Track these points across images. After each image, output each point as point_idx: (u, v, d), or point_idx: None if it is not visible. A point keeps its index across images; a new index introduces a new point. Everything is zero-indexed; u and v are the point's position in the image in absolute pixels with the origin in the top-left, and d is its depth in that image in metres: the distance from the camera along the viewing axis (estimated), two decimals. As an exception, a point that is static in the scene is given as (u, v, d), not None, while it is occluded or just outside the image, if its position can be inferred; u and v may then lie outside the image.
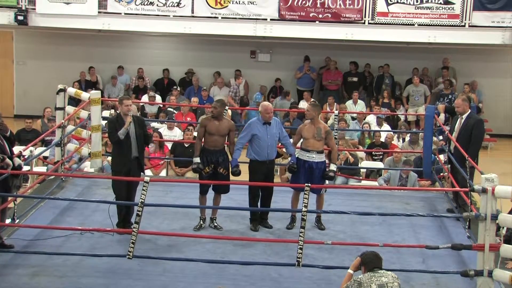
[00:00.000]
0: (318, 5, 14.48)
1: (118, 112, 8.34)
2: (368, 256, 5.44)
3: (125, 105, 7.93)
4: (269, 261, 7.23)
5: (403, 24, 14.45)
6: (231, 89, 15.58)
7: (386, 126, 13.54)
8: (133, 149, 7.89)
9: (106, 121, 9.19)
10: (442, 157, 10.12)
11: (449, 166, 9.04)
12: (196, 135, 8.67)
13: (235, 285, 6.78)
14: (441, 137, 9.90)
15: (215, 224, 8.15)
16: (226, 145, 8.28)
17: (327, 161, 8.26)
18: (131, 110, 8.06)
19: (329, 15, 14.52)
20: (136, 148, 7.92)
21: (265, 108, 8.12)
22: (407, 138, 12.60)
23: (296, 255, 6.78)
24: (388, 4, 14.42)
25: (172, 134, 12.35)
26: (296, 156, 8.30)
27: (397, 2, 14.41)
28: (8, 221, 7.68)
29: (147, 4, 14.68)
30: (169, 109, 14.27)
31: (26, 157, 8.78)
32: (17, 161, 7.45)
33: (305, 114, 8.35)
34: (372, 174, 11.90)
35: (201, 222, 8.11)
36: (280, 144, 8.40)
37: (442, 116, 9.62)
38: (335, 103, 14.87)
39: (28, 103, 16.49)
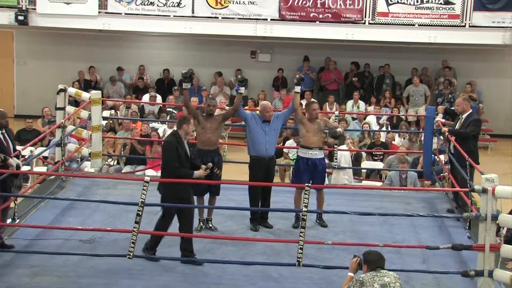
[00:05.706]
0: (319, 5, 14.48)
1: (175, 130, 7.36)
2: (372, 255, 5.43)
3: (191, 124, 7.40)
4: (269, 261, 7.23)
5: (404, 24, 14.45)
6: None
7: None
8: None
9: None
10: (442, 157, 10.12)
11: (449, 166, 9.04)
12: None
13: (235, 285, 6.78)
14: (441, 138, 9.90)
15: (210, 225, 8.15)
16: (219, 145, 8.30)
17: None
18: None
19: (330, 15, 14.52)
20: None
21: (264, 107, 8.26)
22: (407, 137, 12.60)
23: (296, 255, 6.78)
24: (388, 4, 14.42)
25: (172, 133, 12.31)
26: (298, 155, 8.38)
27: (398, 2, 14.40)
28: (8, 221, 7.68)
29: (147, 4, 14.68)
30: (168, 109, 14.25)
31: (26, 157, 8.78)
32: (15, 161, 7.44)
33: (311, 114, 8.24)
34: (373, 174, 11.90)
35: (201, 224, 8.11)
36: (282, 143, 8.39)
37: (440, 117, 9.62)
38: (335, 103, 14.87)
39: (28, 103, 16.49)
